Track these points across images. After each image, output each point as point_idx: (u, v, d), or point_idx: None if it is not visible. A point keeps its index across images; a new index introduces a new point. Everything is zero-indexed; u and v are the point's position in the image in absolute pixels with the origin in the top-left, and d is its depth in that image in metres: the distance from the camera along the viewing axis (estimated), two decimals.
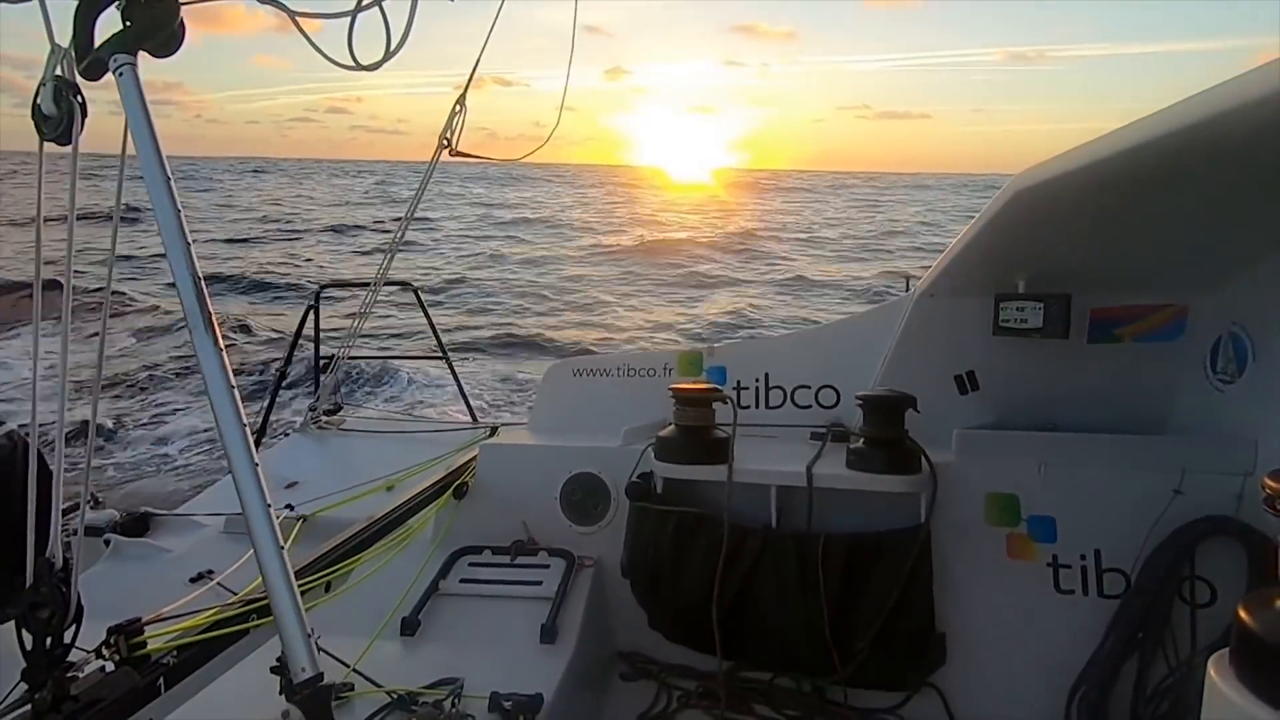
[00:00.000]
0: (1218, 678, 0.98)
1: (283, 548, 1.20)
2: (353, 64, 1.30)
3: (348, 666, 1.89)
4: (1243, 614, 1.00)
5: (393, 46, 1.27)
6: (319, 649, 1.61)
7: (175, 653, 1.46)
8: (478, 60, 3.52)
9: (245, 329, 14.49)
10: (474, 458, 2.88)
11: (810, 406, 2.82)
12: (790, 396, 2.85)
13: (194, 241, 1.23)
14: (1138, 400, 2.48)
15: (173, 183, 1.22)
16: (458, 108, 3.52)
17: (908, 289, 2.91)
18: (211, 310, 1.21)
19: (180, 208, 1.22)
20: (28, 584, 1.21)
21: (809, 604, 2.33)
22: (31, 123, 1.20)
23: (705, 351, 2.97)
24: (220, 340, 1.21)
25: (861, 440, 2.39)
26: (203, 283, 1.21)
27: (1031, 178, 1.97)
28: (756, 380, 2.87)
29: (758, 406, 2.86)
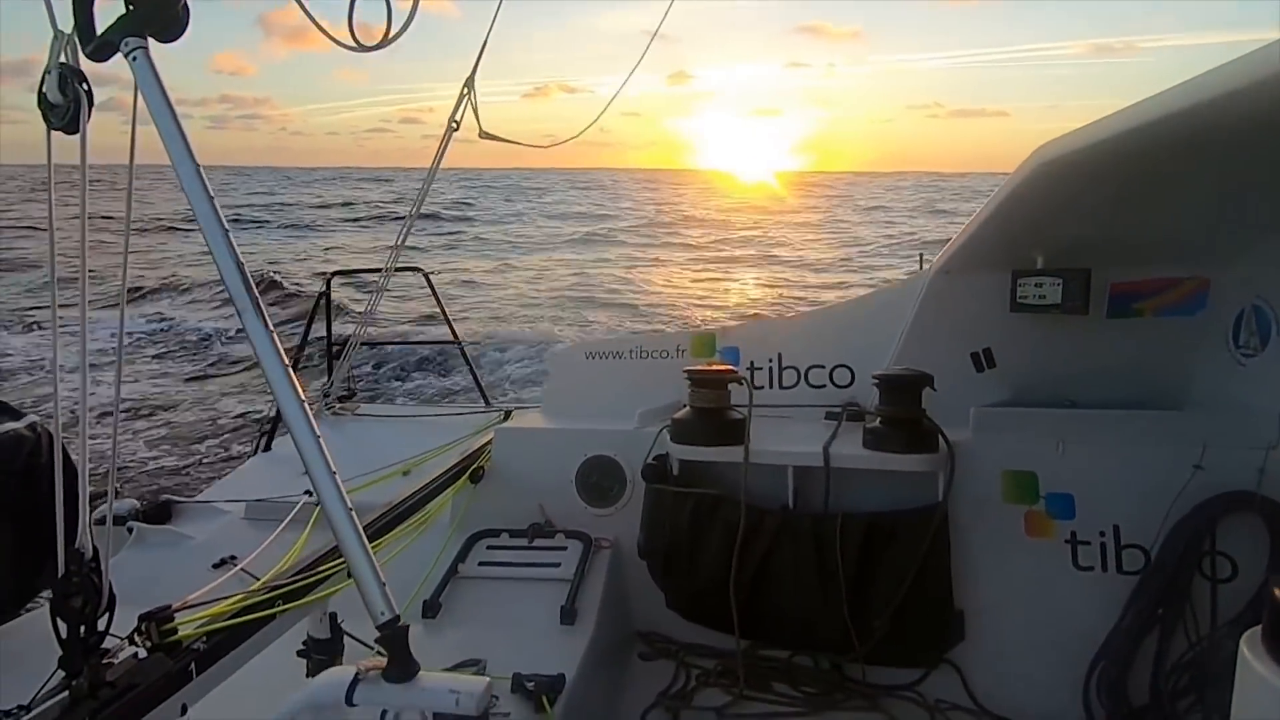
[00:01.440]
0: (1250, 656, 0.97)
1: (350, 508, 1.23)
2: (355, 44, 1.29)
3: (371, 649, 1.92)
4: (1278, 592, 0.99)
5: (393, 32, 1.27)
6: (344, 632, 1.64)
7: (205, 638, 1.48)
8: (484, 42, 3.46)
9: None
10: (489, 442, 2.89)
11: (824, 386, 2.80)
12: (804, 376, 2.83)
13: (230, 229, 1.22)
14: (1158, 375, 2.45)
15: (202, 170, 1.21)
16: (466, 90, 3.48)
17: (921, 266, 2.88)
18: (257, 293, 1.22)
19: (213, 193, 1.21)
20: (59, 573, 1.23)
21: (826, 583, 2.34)
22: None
23: (718, 332, 2.96)
24: (269, 320, 1.22)
25: (878, 419, 2.38)
26: (245, 268, 1.22)
27: (1052, 151, 1.94)
28: (770, 361, 2.86)
29: (771, 387, 2.85)
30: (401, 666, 1.20)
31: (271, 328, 1.21)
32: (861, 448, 2.37)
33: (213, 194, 1.20)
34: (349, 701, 1.18)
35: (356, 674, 1.20)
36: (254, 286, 1.21)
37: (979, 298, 2.52)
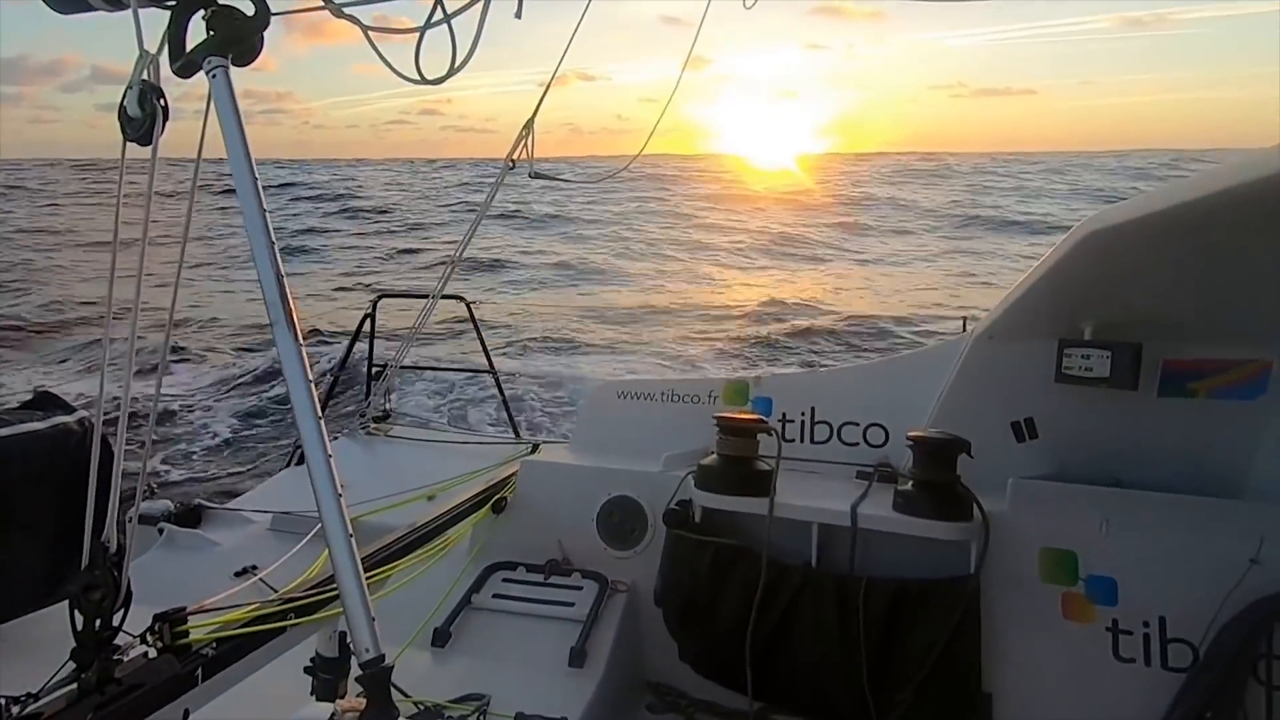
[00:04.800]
0: None
1: (351, 535, 1.22)
2: (419, 78, 1.34)
3: None
4: None
5: (458, 63, 1.31)
6: (352, 652, 1.63)
7: (215, 644, 1.49)
8: (546, 86, 3.57)
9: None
10: (514, 473, 2.89)
11: (857, 444, 2.74)
12: (837, 432, 2.78)
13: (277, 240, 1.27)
14: (1212, 460, 2.33)
15: (259, 182, 1.26)
16: (525, 131, 3.57)
17: (964, 329, 2.82)
18: (293, 306, 1.25)
19: (266, 206, 1.27)
20: (83, 565, 1.25)
21: (847, 648, 2.25)
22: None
23: (752, 381, 2.93)
24: (300, 335, 1.24)
25: (910, 482, 2.31)
26: (285, 279, 1.25)
27: (1104, 219, 1.90)
28: (803, 414, 2.82)
29: (803, 440, 2.80)
30: (380, 711, 1.15)
31: (301, 342, 1.24)
32: (891, 510, 2.29)
33: (266, 207, 1.25)
34: None
35: (333, 715, 1.17)
36: (290, 299, 1.24)
37: (1022, 365, 2.46)
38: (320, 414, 1.23)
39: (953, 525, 2.21)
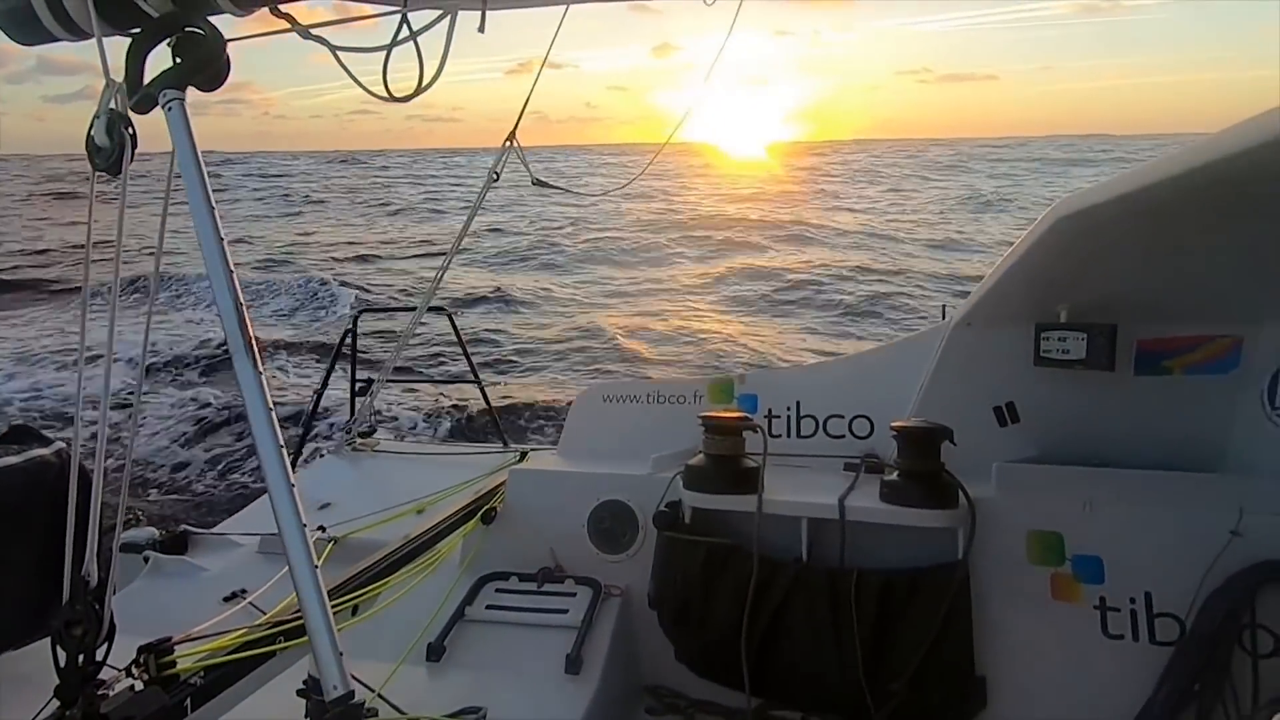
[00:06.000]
0: None
1: (316, 567, 1.21)
2: (387, 95, 1.34)
3: (372, 691, 1.89)
4: None
5: (425, 80, 1.31)
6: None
7: (203, 673, 1.47)
8: (524, 104, 3.56)
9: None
10: (503, 483, 2.88)
11: (843, 437, 2.76)
12: (823, 426, 2.80)
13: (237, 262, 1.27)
14: (1189, 436, 2.37)
15: (216, 211, 1.26)
16: (507, 143, 3.55)
17: (944, 317, 2.85)
18: (252, 334, 1.24)
19: (223, 236, 1.26)
20: (64, 600, 1.23)
21: (842, 641, 2.26)
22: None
23: (736, 379, 2.94)
24: (260, 363, 1.23)
25: (896, 472, 2.33)
26: (244, 308, 1.25)
27: (1075, 204, 1.93)
28: (788, 409, 2.83)
29: (789, 436, 2.81)
30: None
31: (261, 371, 1.23)
32: (879, 501, 2.31)
33: (223, 235, 1.24)
34: None
35: None
36: (249, 328, 1.24)
37: (1001, 351, 2.49)
38: (281, 442, 1.22)
39: (939, 513, 2.23)
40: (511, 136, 3.51)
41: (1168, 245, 2.03)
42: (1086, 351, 2.26)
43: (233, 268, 1.25)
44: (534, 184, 3.65)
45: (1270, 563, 2.03)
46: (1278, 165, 1.43)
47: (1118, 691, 2.10)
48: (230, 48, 1.31)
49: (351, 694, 1.17)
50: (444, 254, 4.17)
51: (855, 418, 2.76)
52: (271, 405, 1.23)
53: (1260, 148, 1.35)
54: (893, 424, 2.36)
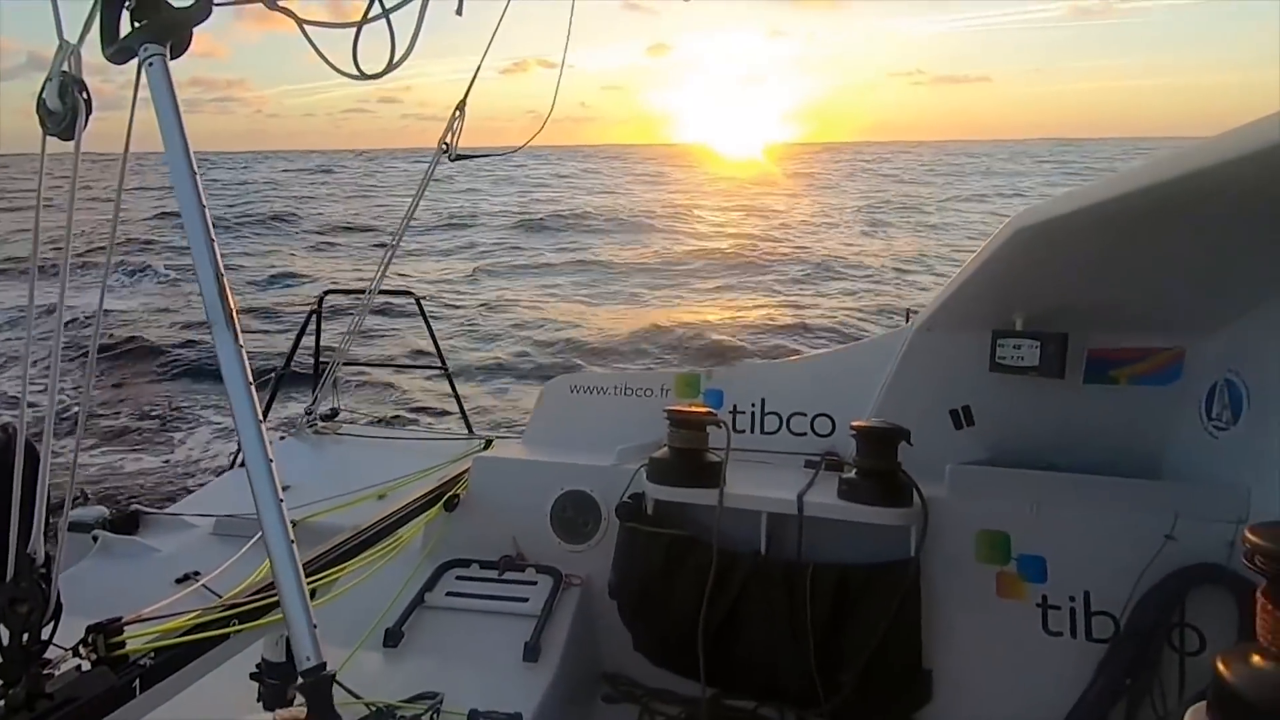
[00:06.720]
0: None
1: (292, 541, 1.20)
2: (357, 73, 1.32)
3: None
4: (1221, 667, 0.99)
5: (396, 57, 1.29)
6: None
7: (153, 654, 1.45)
8: (478, 68, 3.51)
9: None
10: (467, 470, 2.87)
11: (805, 434, 2.81)
12: (786, 423, 2.84)
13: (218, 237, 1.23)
14: (1132, 443, 2.47)
15: (198, 177, 1.22)
16: (457, 113, 3.50)
17: (907, 321, 2.92)
18: (233, 306, 1.22)
19: (205, 203, 1.22)
20: (7, 578, 1.21)
21: (796, 634, 2.31)
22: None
23: (703, 374, 2.97)
24: (240, 336, 1.21)
25: (854, 471, 2.39)
26: (225, 278, 1.22)
27: (1032, 216, 1.99)
28: (753, 405, 2.87)
29: (753, 431, 2.85)
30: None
31: (241, 344, 1.21)
32: (836, 498, 2.36)
33: (205, 202, 1.21)
34: None
35: None
36: (230, 299, 1.21)
37: (959, 356, 2.56)
38: (262, 418, 1.20)
39: (894, 511, 2.29)
40: (461, 105, 3.47)
41: (1120, 259, 2.10)
42: (1039, 359, 2.34)
43: (214, 237, 1.21)
44: (451, 160, 3.59)
45: (1200, 566, 2.13)
46: (1223, 188, 1.50)
47: (1056, 686, 2.19)
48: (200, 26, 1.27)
49: (323, 665, 1.16)
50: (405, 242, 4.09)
51: (817, 416, 2.81)
52: (251, 379, 1.21)
53: (1208, 170, 1.41)
54: (853, 424, 2.41)
